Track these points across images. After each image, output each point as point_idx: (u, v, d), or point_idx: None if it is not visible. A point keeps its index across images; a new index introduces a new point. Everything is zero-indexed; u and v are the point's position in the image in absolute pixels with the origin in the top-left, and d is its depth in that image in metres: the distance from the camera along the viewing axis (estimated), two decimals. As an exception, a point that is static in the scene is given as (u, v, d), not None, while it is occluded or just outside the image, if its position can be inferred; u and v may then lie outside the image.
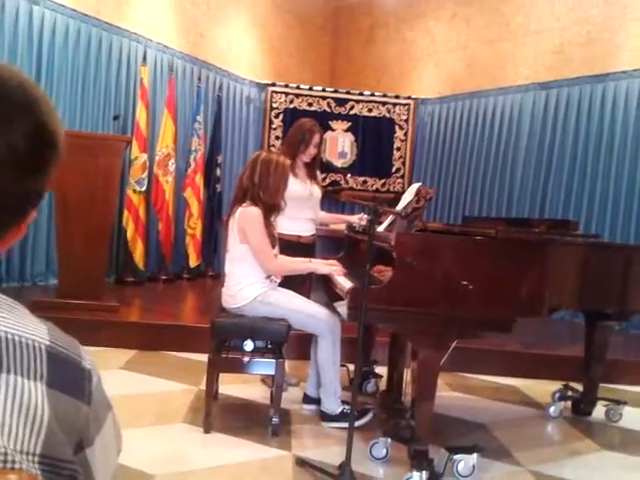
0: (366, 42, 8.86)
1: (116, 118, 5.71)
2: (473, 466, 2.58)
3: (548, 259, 2.72)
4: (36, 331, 0.61)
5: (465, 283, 2.47)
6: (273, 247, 3.06)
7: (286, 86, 7.74)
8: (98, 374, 0.66)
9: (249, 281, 3.04)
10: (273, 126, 7.69)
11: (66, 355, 0.62)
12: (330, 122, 7.69)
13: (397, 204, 3.12)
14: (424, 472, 2.46)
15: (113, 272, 6.10)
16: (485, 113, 7.29)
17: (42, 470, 0.56)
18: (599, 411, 3.61)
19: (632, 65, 5.91)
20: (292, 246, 3.37)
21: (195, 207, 6.79)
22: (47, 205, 5.47)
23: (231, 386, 3.53)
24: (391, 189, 7.77)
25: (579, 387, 3.68)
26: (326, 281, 3.28)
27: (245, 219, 3.00)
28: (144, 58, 6.29)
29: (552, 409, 3.59)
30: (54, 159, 0.66)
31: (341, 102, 7.76)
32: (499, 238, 2.60)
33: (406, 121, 7.83)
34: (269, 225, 3.05)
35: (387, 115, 7.81)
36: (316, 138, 3.62)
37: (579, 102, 6.33)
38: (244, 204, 3.04)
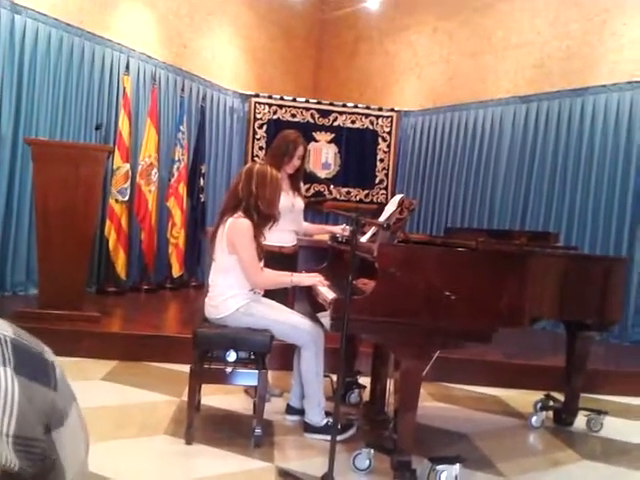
0: (349, 55, 8.93)
1: (98, 128, 5.69)
2: (456, 477, 2.58)
3: (529, 270, 2.75)
4: (0, 326, 0.63)
5: (447, 294, 2.49)
6: (260, 260, 3.06)
7: (270, 97, 7.77)
8: (61, 368, 0.67)
9: (232, 292, 3.03)
10: (257, 137, 7.70)
11: (30, 347, 0.63)
12: (314, 133, 7.73)
13: (380, 215, 3.14)
14: (407, 483, 2.46)
15: (94, 282, 6.05)
16: (467, 126, 7.36)
17: (16, 450, 0.57)
18: (580, 421, 3.63)
19: (610, 79, 6.01)
20: (274, 257, 3.37)
21: (178, 217, 6.77)
22: (28, 214, 5.43)
23: (213, 397, 3.51)
24: (374, 200, 7.81)
25: (560, 397, 3.71)
26: (309, 292, 3.28)
27: (235, 230, 2.99)
28: (127, 68, 6.28)
29: (534, 419, 3.60)
30: None
31: (325, 114, 7.80)
32: (480, 250, 2.63)
33: (389, 133, 7.89)
34: (258, 237, 3.05)
35: (370, 127, 7.86)
36: (300, 150, 3.63)
37: (559, 115, 6.42)
38: (235, 215, 3.03)
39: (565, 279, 3.08)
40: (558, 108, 6.42)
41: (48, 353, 0.66)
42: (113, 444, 2.80)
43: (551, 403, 3.72)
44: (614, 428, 3.64)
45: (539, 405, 3.70)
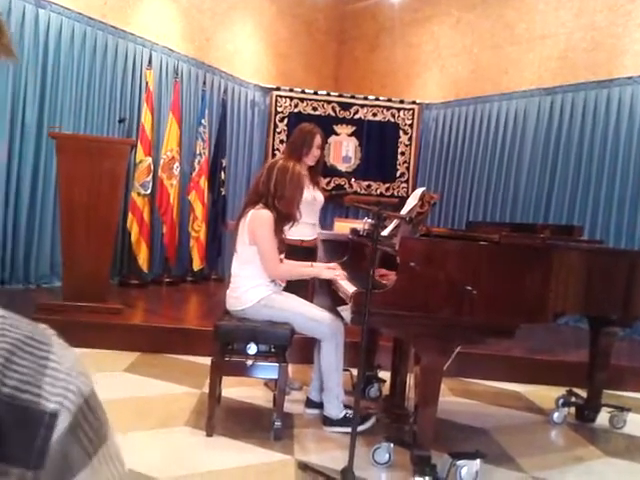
0: (371, 47, 8.88)
1: (121, 121, 5.74)
2: (476, 472, 2.57)
3: (552, 264, 2.71)
4: None
5: (469, 288, 2.47)
6: (281, 252, 3.07)
7: (291, 90, 7.76)
8: (80, 403, 0.49)
9: (254, 283, 3.05)
10: (278, 130, 7.70)
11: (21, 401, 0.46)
12: (335, 126, 7.70)
13: (401, 209, 3.12)
14: (427, 478, 2.46)
15: (117, 274, 6.12)
16: (489, 118, 7.29)
17: None
18: (603, 417, 3.59)
19: (636, 71, 5.91)
20: (295, 250, 3.38)
21: (199, 210, 6.80)
22: (52, 207, 5.50)
23: (234, 389, 3.53)
24: (395, 194, 7.77)
25: (583, 393, 3.67)
26: (329, 285, 3.28)
27: (257, 221, 3.01)
28: (149, 62, 6.32)
29: (556, 415, 3.57)
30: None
31: (346, 106, 7.77)
32: (503, 243, 2.60)
33: (410, 126, 7.84)
34: (279, 230, 3.05)
35: (392, 120, 7.81)
36: (317, 139, 3.63)
37: (584, 108, 6.32)
38: (257, 206, 3.05)
39: (589, 273, 3.04)
40: (583, 100, 6.32)
41: (46, 400, 0.46)
42: (134, 435, 2.83)
43: (573, 399, 3.69)
44: (637, 425, 3.60)
45: (561, 401, 3.66)
